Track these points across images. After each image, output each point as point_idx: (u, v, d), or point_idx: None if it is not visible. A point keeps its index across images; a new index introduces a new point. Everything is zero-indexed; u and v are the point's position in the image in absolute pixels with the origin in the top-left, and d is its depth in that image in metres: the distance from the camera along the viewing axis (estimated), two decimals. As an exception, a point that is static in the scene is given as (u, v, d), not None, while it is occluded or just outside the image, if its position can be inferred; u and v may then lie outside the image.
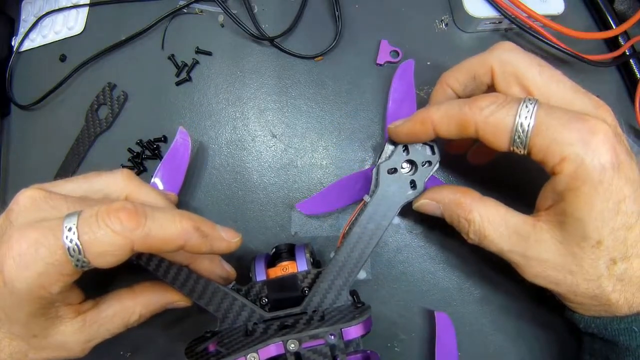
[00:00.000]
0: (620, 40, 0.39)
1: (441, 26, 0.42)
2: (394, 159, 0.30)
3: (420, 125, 0.28)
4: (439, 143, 0.30)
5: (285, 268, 0.31)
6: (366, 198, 0.30)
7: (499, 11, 0.38)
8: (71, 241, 0.22)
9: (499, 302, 0.35)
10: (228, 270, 0.30)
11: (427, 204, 0.30)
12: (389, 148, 0.30)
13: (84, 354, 0.28)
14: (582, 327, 0.28)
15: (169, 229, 0.24)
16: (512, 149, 0.25)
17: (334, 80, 0.41)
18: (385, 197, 0.30)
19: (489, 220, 0.27)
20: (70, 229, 0.22)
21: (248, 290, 0.30)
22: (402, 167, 0.30)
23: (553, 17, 0.38)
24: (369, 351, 0.27)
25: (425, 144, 0.30)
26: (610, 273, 0.25)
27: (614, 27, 0.40)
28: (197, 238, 0.25)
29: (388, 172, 0.30)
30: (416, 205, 0.30)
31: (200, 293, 0.29)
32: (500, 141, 0.25)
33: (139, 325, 0.30)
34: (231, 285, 0.30)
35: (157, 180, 0.35)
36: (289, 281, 0.30)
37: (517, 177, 0.34)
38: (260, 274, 0.30)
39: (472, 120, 0.25)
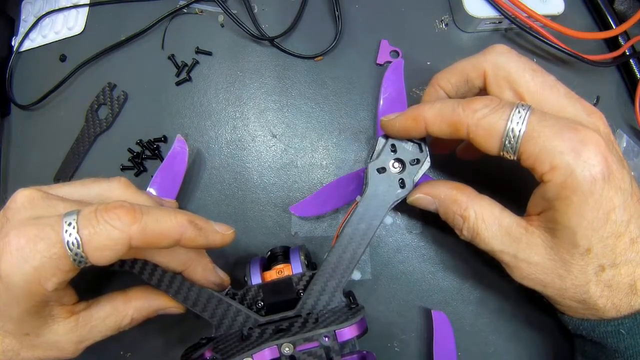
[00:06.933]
0: (620, 40, 0.39)
1: (441, 26, 0.42)
2: (382, 158, 0.30)
3: (413, 121, 0.28)
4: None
5: (280, 271, 0.31)
6: (358, 199, 0.30)
7: (499, 11, 0.38)
8: (70, 235, 0.22)
9: (499, 302, 0.35)
10: (222, 277, 0.30)
11: (422, 198, 0.30)
12: (379, 145, 0.30)
13: (76, 355, 0.28)
14: (572, 329, 0.28)
15: (164, 223, 0.24)
16: (502, 153, 0.25)
17: (334, 80, 0.41)
18: (375, 196, 0.30)
19: (483, 218, 0.27)
20: (70, 224, 0.22)
21: (244, 294, 0.30)
22: (393, 167, 0.30)
23: (553, 17, 0.38)
24: (365, 352, 0.27)
25: (413, 142, 0.30)
26: (599, 279, 0.25)
27: (614, 27, 0.40)
28: (192, 231, 0.25)
29: (377, 172, 0.30)
30: (410, 199, 0.30)
31: (194, 300, 0.29)
32: (490, 145, 0.25)
33: (134, 327, 0.30)
34: (227, 290, 0.30)
35: (152, 190, 0.35)
36: (284, 284, 0.30)
37: (510, 176, 0.34)
38: (256, 278, 0.30)
39: (464, 122, 0.25)
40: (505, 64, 0.27)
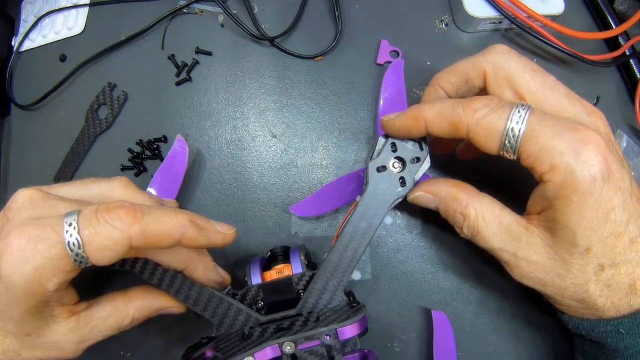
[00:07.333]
0: (620, 40, 0.39)
1: (441, 26, 0.42)
2: (382, 156, 0.30)
3: (413, 120, 0.28)
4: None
5: (280, 271, 0.31)
6: (358, 199, 0.30)
7: (499, 11, 0.38)
8: (71, 236, 0.22)
9: (499, 302, 0.35)
10: (223, 275, 0.30)
11: (423, 196, 0.30)
12: (380, 144, 0.30)
13: (77, 355, 0.28)
14: (572, 329, 0.28)
15: (165, 223, 0.24)
16: (501, 153, 0.25)
17: (334, 80, 0.41)
18: (375, 195, 0.30)
19: (484, 216, 0.27)
20: (70, 224, 0.22)
21: (244, 294, 0.30)
22: (393, 167, 0.30)
23: (553, 17, 0.38)
24: (366, 350, 0.27)
25: (414, 140, 0.30)
26: (598, 279, 0.25)
27: (614, 27, 0.40)
28: (193, 231, 0.25)
29: (377, 171, 0.30)
30: (411, 197, 0.30)
31: (195, 299, 0.29)
32: (490, 144, 0.25)
33: (135, 327, 0.30)
34: (227, 290, 0.30)
35: (152, 190, 0.35)
36: (284, 284, 0.30)
37: (510, 175, 0.34)
38: (256, 278, 0.30)
39: (464, 122, 0.25)
40: (505, 64, 0.27)
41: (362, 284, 0.36)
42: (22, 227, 0.22)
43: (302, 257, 0.31)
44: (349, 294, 0.31)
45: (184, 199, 0.38)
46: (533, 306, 0.34)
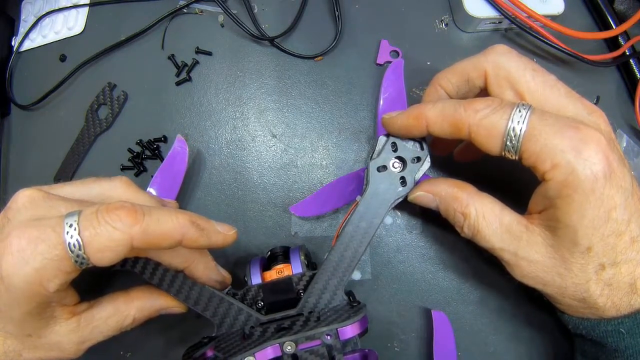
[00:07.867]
0: (620, 40, 0.39)
1: (441, 26, 0.42)
2: (382, 156, 0.30)
3: (414, 120, 0.28)
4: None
5: (280, 271, 0.31)
6: (358, 199, 0.30)
7: (499, 11, 0.38)
8: (72, 237, 0.22)
9: (499, 302, 0.35)
10: (224, 274, 0.30)
11: (423, 196, 0.30)
12: (380, 144, 0.30)
13: (78, 355, 0.28)
14: (572, 328, 0.28)
15: (166, 224, 0.24)
16: (503, 153, 0.25)
17: (334, 80, 0.41)
18: (375, 194, 0.30)
19: (484, 216, 0.27)
20: (71, 225, 0.22)
21: (244, 294, 0.30)
22: (393, 167, 0.30)
23: (553, 17, 0.38)
24: (367, 350, 0.27)
25: (414, 140, 0.30)
26: (599, 278, 0.25)
27: (614, 27, 0.40)
28: (194, 232, 0.25)
29: (378, 170, 0.30)
30: (412, 197, 0.30)
31: (196, 299, 0.29)
32: (492, 145, 0.25)
33: (135, 327, 0.30)
34: (227, 290, 0.30)
35: (152, 190, 0.35)
36: (284, 284, 0.30)
37: (510, 176, 0.34)
38: (256, 278, 0.30)
39: (466, 122, 0.25)
40: (506, 63, 0.27)
41: (362, 284, 0.36)
42: (23, 228, 0.22)
43: (302, 257, 0.31)
44: (349, 293, 0.31)
45: (184, 199, 0.38)
46: (533, 306, 0.34)
